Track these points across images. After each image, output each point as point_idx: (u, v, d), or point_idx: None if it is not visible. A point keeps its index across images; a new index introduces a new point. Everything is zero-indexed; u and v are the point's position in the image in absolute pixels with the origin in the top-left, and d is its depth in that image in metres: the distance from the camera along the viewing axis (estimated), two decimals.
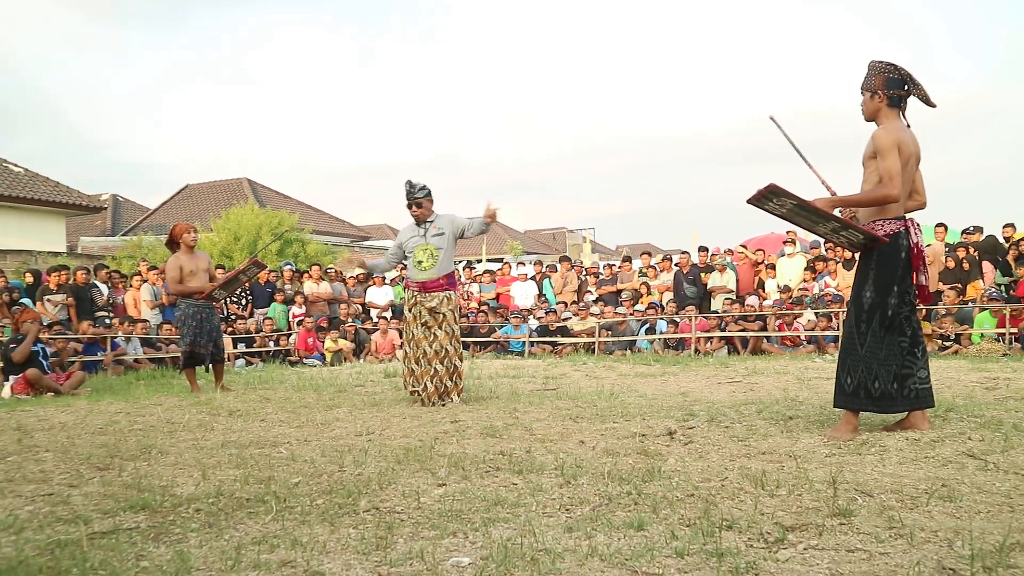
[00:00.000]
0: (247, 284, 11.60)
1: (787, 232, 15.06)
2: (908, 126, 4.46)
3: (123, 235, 29.30)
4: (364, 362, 13.46)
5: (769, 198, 4.23)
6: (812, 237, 15.91)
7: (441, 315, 6.67)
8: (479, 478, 3.61)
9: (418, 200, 6.66)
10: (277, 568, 2.47)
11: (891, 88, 4.41)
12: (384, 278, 16.18)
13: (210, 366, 8.43)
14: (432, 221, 6.74)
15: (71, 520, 3.07)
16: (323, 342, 14.17)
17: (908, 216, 4.50)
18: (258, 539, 2.76)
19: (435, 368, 6.64)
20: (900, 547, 2.51)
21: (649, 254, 16.52)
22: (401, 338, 6.80)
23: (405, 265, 6.95)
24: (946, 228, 13.76)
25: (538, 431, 4.93)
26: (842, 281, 13.15)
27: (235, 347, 13.24)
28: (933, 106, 4.51)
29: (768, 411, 5.51)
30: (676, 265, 14.74)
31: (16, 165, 23.75)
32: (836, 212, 4.39)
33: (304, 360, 13.67)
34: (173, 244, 8.24)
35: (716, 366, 10.13)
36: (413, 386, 6.73)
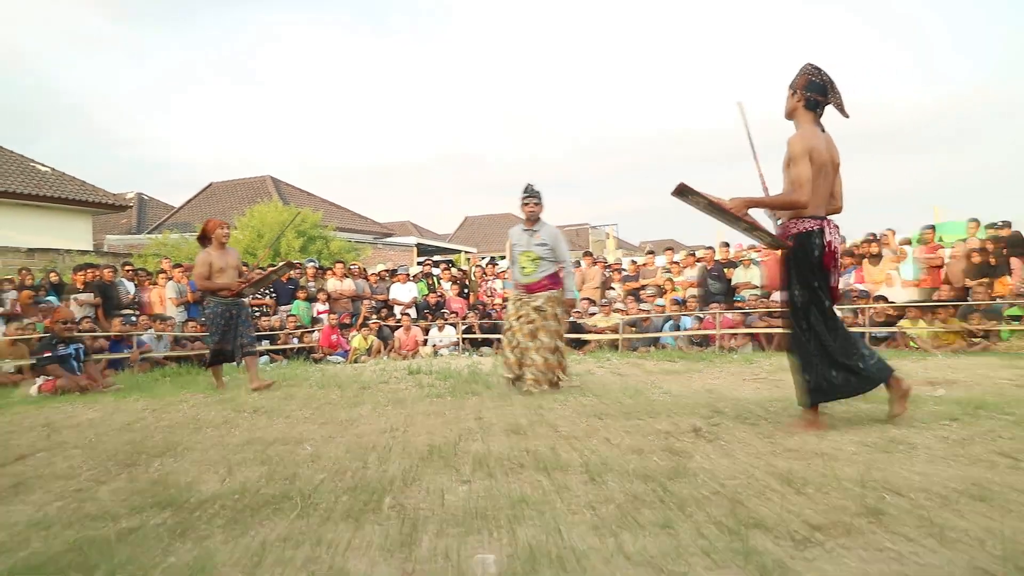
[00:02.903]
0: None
1: None
2: (823, 131, 4.58)
3: (148, 233, 29.58)
4: (388, 359, 13.50)
5: (685, 195, 4.37)
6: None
7: (545, 312, 7.14)
8: (504, 476, 3.61)
9: (535, 199, 7.29)
10: (302, 566, 2.48)
11: (810, 91, 4.52)
12: (408, 274, 16.22)
13: (242, 361, 8.36)
14: (538, 230, 7.31)
15: (99, 516, 3.10)
16: (346, 339, 14.22)
17: (826, 217, 4.60)
18: (282, 537, 2.77)
19: (541, 358, 7.05)
20: (931, 547, 2.48)
21: (673, 249, 16.44)
22: (505, 330, 7.40)
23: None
24: (978, 223, 13.61)
25: (563, 429, 4.92)
26: (868, 276, 13.03)
27: (259, 344, 13.31)
28: (847, 116, 4.59)
29: (794, 408, 5.45)
30: (700, 261, 14.67)
31: (43, 165, 24.03)
32: (751, 212, 4.47)
33: (328, 357, 13.73)
34: (204, 239, 8.20)
35: (741, 363, 10.07)
36: (507, 372, 7.26)
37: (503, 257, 25.16)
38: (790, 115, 4.63)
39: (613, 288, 15.54)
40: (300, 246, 22.47)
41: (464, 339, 14.62)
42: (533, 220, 7.34)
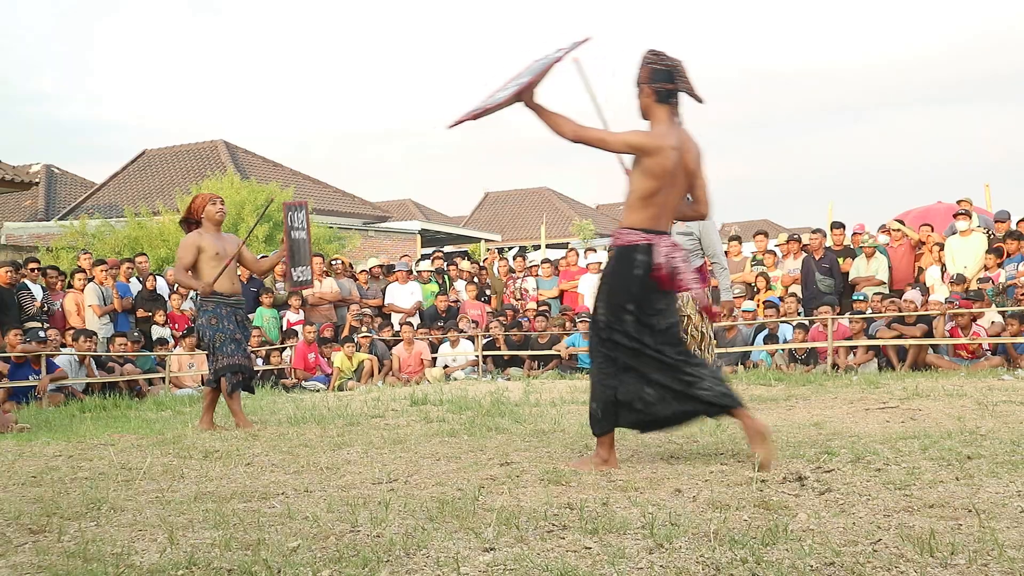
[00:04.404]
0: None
1: (959, 202, 14.78)
2: (681, 125, 5.10)
3: (60, 219, 29.80)
4: (383, 384, 13.54)
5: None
6: (996, 207, 15.61)
7: (685, 317, 7.37)
8: (539, 540, 3.60)
9: None
10: None
11: (657, 81, 5.07)
12: (409, 271, 16.23)
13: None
14: None
15: None
16: (327, 358, 14.27)
17: (664, 232, 5.08)
18: None
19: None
20: None
21: (766, 234, 16.35)
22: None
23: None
24: None
25: (618, 476, 4.91)
26: None
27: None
28: (700, 101, 5.14)
29: (937, 447, 5.42)
30: (805, 249, 14.58)
31: None
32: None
33: (303, 383, 13.79)
34: (190, 223, 8.07)
35: (862, 386, 10.01)
36: None
37: (537, 247, 25.17)
38: (645, 115, 5.15)
39: None
40: (264, 234, 22.40)
41: (485, 358, 14.64)
42: None
